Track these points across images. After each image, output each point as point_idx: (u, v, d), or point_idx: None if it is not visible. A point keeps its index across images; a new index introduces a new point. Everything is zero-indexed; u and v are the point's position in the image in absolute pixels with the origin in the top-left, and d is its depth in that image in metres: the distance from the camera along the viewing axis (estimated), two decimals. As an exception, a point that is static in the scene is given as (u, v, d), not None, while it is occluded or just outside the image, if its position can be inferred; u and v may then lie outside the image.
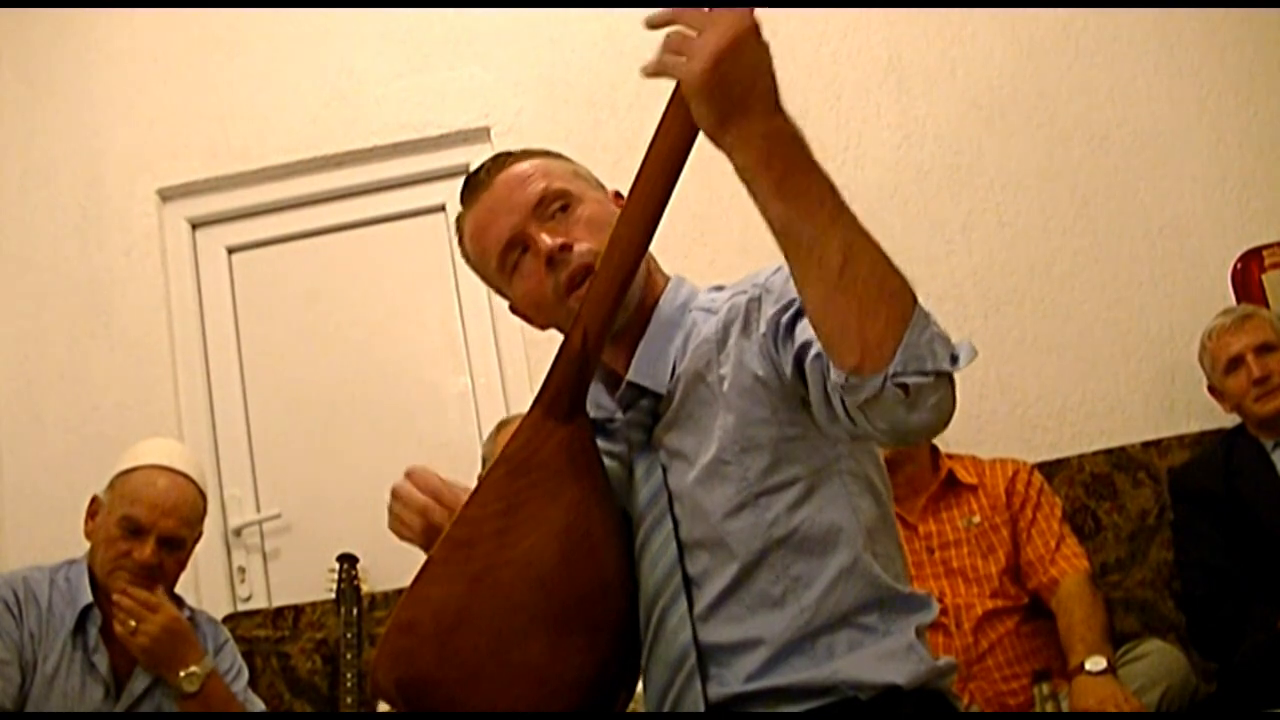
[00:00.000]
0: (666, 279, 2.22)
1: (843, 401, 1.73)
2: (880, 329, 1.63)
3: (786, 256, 1.69)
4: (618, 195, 2.20)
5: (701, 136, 1.71)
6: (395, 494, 2.15)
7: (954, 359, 1.67)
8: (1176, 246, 4.73)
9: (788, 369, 1.90)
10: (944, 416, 1.71)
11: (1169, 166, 4.82)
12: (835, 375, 1.69)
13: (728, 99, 1.59)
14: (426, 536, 2.09)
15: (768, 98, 1.61)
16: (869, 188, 4.74)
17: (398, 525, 2.16)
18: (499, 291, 2.24)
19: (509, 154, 2.23)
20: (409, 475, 2.16)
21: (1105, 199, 4.79)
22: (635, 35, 4.93)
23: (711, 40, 1.57)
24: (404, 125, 5.14)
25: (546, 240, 2.10)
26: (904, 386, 1.63)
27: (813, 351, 1.80)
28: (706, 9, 1.60)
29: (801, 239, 1.65)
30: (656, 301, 2.16)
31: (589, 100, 4.98)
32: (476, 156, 5.04)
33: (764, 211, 1.66)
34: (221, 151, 5.18)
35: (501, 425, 3.91)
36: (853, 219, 1.65)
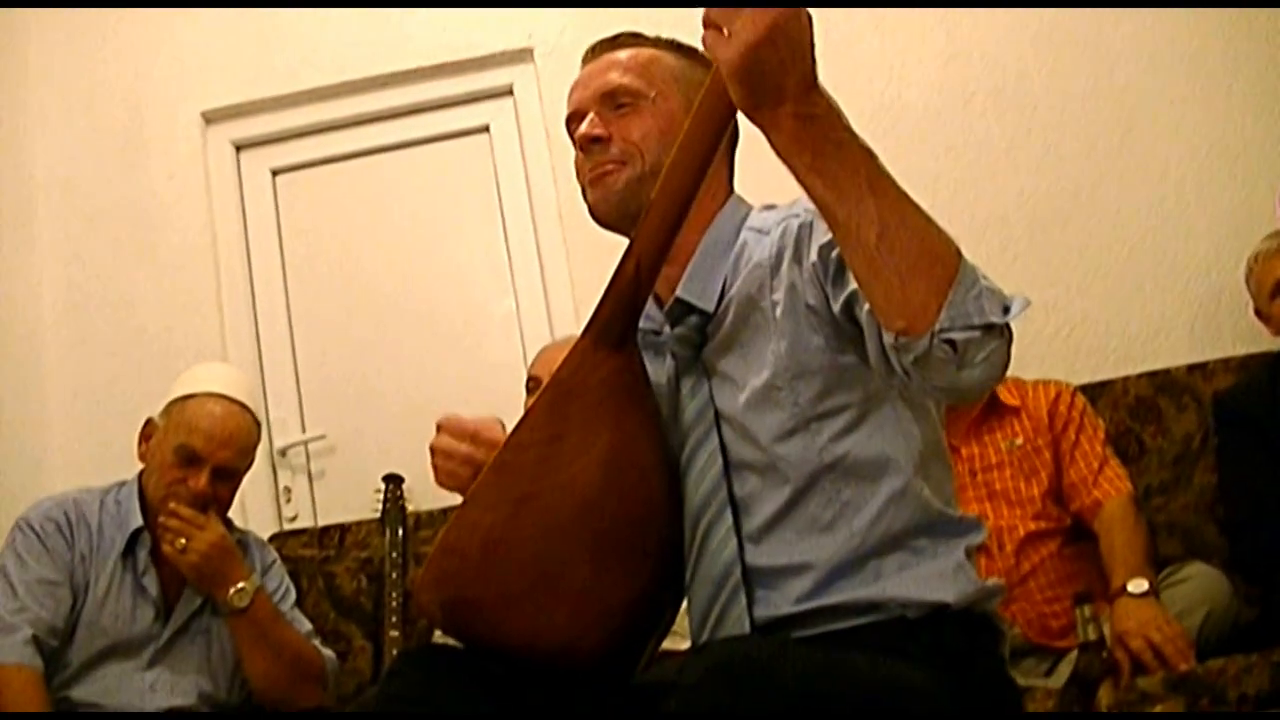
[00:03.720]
0: (725, 197, 2.24)
1: (901, 361, 1.74)
2: (923, 292, 1.65)
3: (829, 227, 1.72)
4: None
5: None
6: (434, 449, 2.17)
7: (1005, 310, 1.68)
8: (1224, 168, 4.67)
9: (836, 307, 1.92)
10: (996, 371, 1.71)
11: (1217, 87, 4.75)
12: (885, 337, 1.71)
13: (761, 83, 1.59)
14: (476, 473, 2.10)
15: (802, 81, 1.60)
16: (913, 110, 4.72)
17: (444, 478, 2.17)
18: None
19: (634, 36, 2.32)
20: (441, 427, 2.18)
21: (1152, 120, 4.75)
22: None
23: (749, 24, 1.57)
24: (447, 46, 5.12)
25: (584, 127, 2.20)
26: (951, 344, 1.64)
27: (867, 307, 1.80)
28: None
29: (837, 215, 1.67)
30: (711, 219, 2.18)
31: (633, 19, 4.91)
32: (520, 78, 5.06)
33: (802, 187, 1.68)
34: (265, 73, 5.18)
35: (545, 349, 3.92)
36: (888, 190, 1.66)
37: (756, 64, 1.57)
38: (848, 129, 1.65)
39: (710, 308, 2.10)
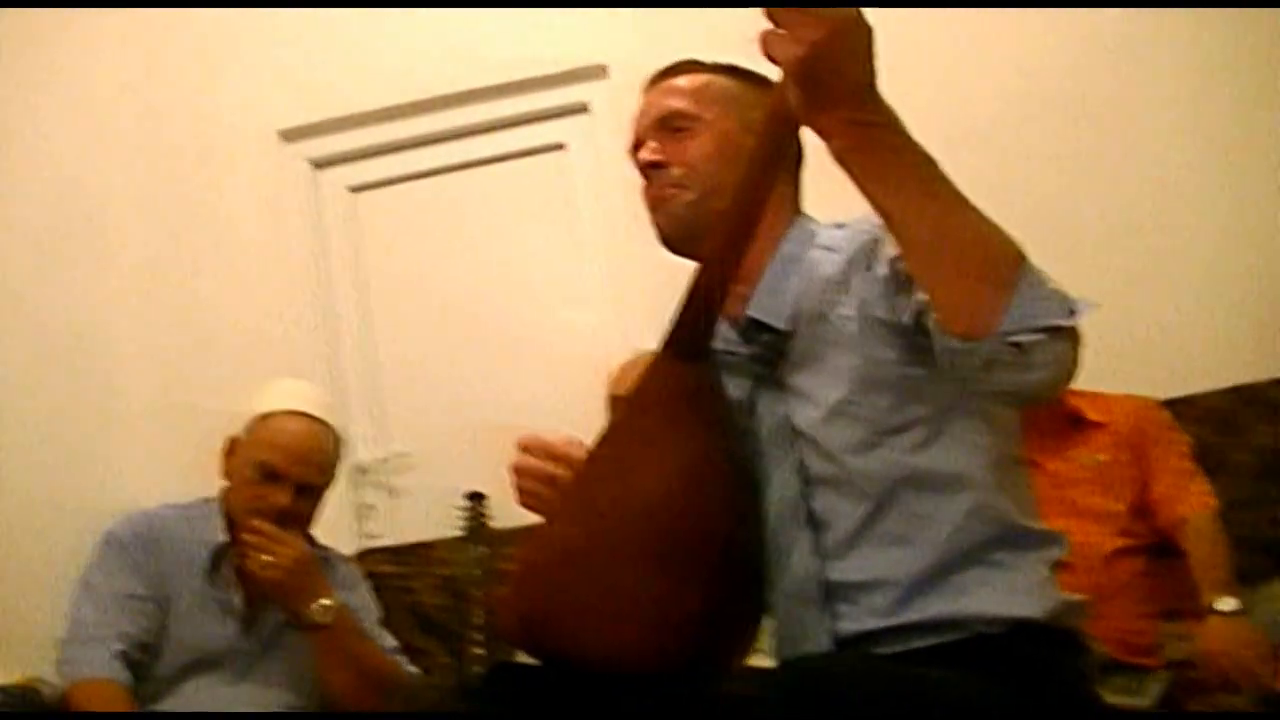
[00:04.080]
0: (793, 216, 2.25)
1: (965, 363, 1.74)
2: (985, 295, 1.66)
3: (890, 232, 1.75)
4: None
5: None
6: (515, 469, 2.16)
7: (1070, 313, 1.68)
8: (1310, 178, 4.62)
9: (905, 318, 1.92)
10: (1063, 373, 1.72)
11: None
12: (951, 342, 1.72)
13: (819, 88, 1.61)
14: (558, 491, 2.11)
15: (859, 88, 1.63)
16: (983, 123, 4.69)
17: (526, 499, 2.16)
18: None
19: (691, 63, 2.36)
20: (522, 446, 2.18)
21: (1231, 127, 4.71)
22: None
23: (810, 26, 1.58)
24: (523, 63, 5.15)
25: (643, 153, 2.25)
26: (1017, 345, 1.65)
27: (935, 317, 1.81)
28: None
29: (896, 220, 1.70)
30: (780, 238, 2.18)
31: (708, 35, 4.92)
32: (595, 94, 5.07)
33: (861, 191, 1.70)
34: (342, 92, 5.23)
35: (622, 367, 3.91)
36: (946, 194, 1.68)
37: (815, 66, 1.59)
38: (905, 134, 1.67)
39: (781, 324, 2.11)
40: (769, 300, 2.13)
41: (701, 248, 2.05)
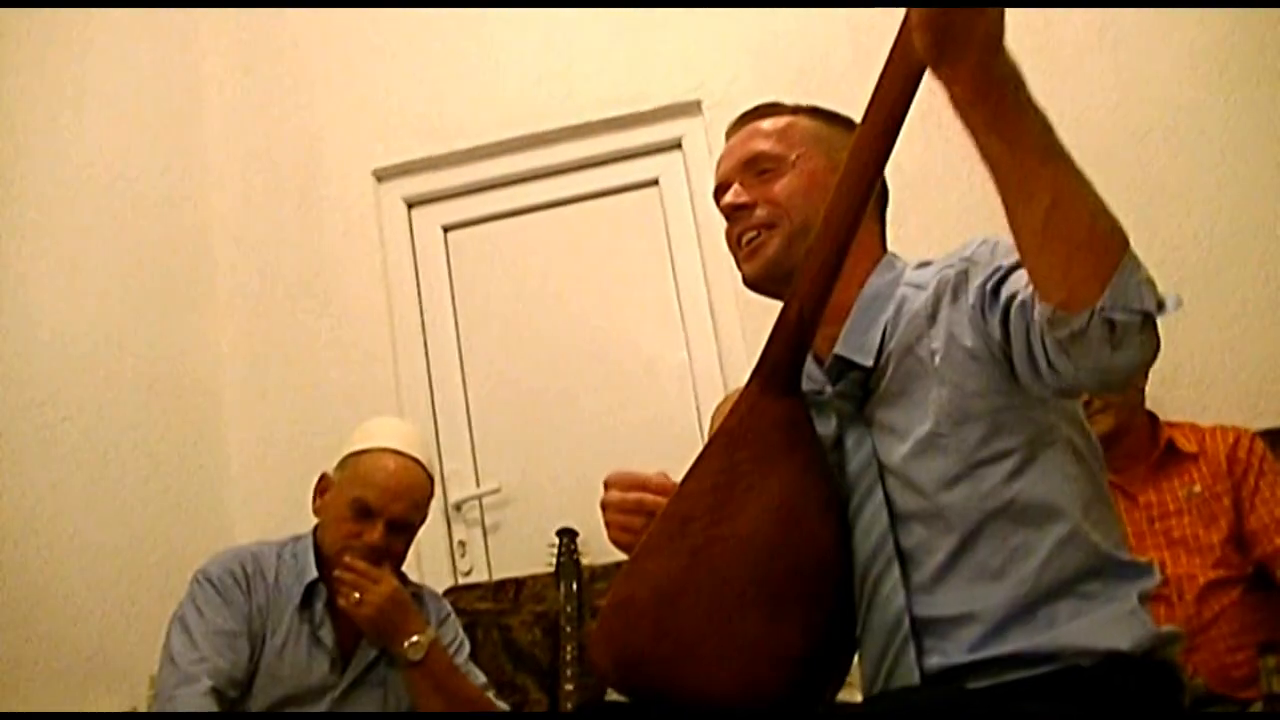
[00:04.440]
0: (879, 255, 2.25)
1: (1044, 348, 1.76)
2: (1089, 268, 1.66)
3: (1000, 191, 1.72)
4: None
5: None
6: (605, 505, 2.18)
7: (1160, 305, 1.68)
8: None
9: (996, 332, 1.92)
10: (1148, 357, 1.72)
11: None
12: (1042, 310, 1.72)
13: (949, 31, 1.59)
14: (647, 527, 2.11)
15: (990, 35, 1.60)
16: (1087, 152, 4.54)
17: (618, 533, 2.18)
18: None
19: (773, 106, 2.36)
20: (609, 484, 2.18)
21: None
22: (849, 8, 4.84)
23: None
24: (616, 100, 5.16)
25: (728, 196, 2.26)
26: (1110, 324, 1.65)
27: (1017, 302, 1.83)
28: None
29: (1012, 177, 1.68)
30: (866, 277, 2.19)
31: (801, 70, 4.95)
32: (689, 130, 5.07)
33: (978, 145, 1.69)
34: (435, 131, 5.26)
35: (723, 404, 3.91)
36: (1066, 160, 1.67)
37: (944, 13, 1.58)
38: (1030, 95, 1.66)
39: (869, 362, 2.10)
40: (857, 339, 2.13)
41: (787, 286, 2.05)
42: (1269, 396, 4.41)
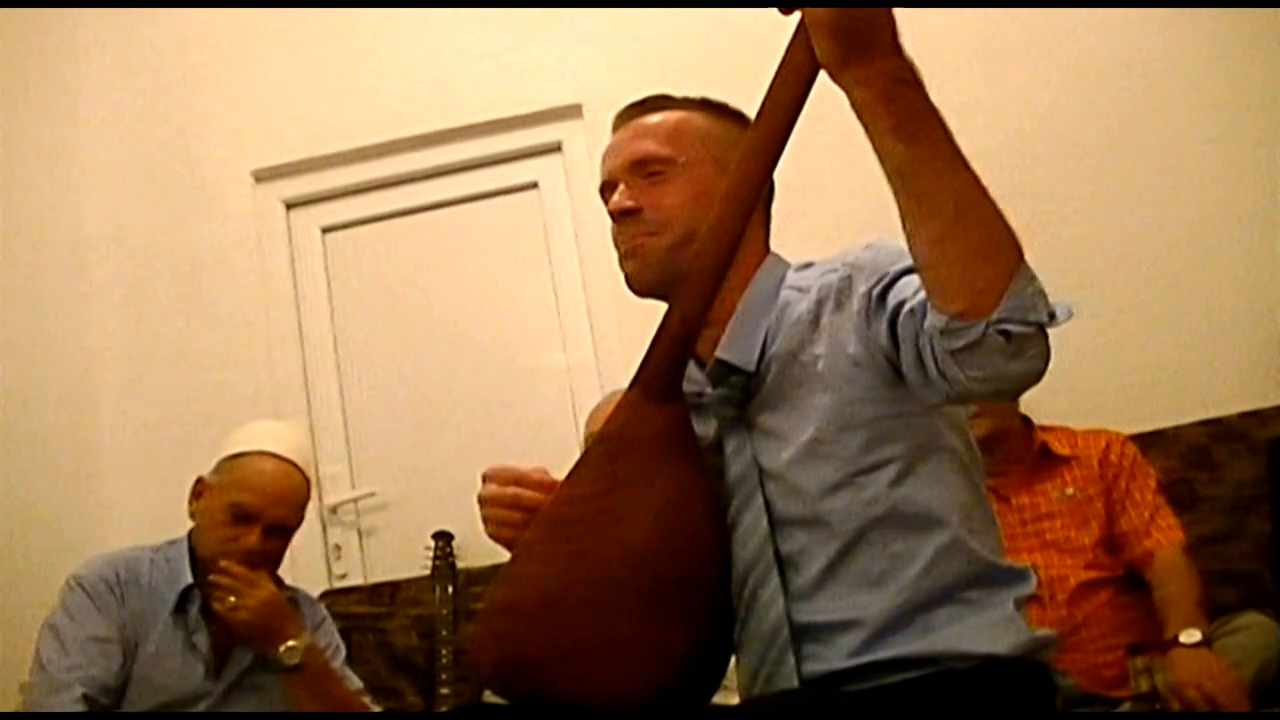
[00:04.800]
0: (763, 256, 2.23)
1: (934, 356, 1.75)
2: (988, 277, 1.65)
3: (899, 198, 1.70)
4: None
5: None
6: (483, 499, 2.15)
7: (1052, 315, 1.69)
8: (1279, 215, 4.65)
9: (882, 339, 1.91)
10: (1040, 369, 1.72)
11: (1274, 135, 4.73)
12: (935, 319, 1.70)
13: (852, 36, 1.60)
14: (526, 522, 2.09)
15: (891, 37, 1.61)
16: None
17: (495, 528, 2.14)
18: None
19: (663, 99, 2.31)
20: (487, 478, 2.17)
21: (1205, 168, 4.73)
22: (731, 9, 4.87)
23: None
24: (497, 103, 5.16)
25: (616, 198, 2.20)
26: (1006, 334, 1.65)
27: (905, 309, 1.82)
28: None
29: (917, 182, 1.67)
30: (750, 278, 2.17)
31: (684, 76, 4.90)
32: (569, 134, 5.08)
33: (880, 152, 1.67)
34: (315, 132, 5.24)
35: (599, 406, 3.92)
36: (968, 168, 1.66)
37: (845, 14, 1.58)
38: (929, 100, 1.66)
39: (751, 367, 2.09)
40: (739, 343, 2.11)
41: (672, 291, 2.04)
42: (1141, 401, 4.48)
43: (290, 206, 5.28)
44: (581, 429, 4.08)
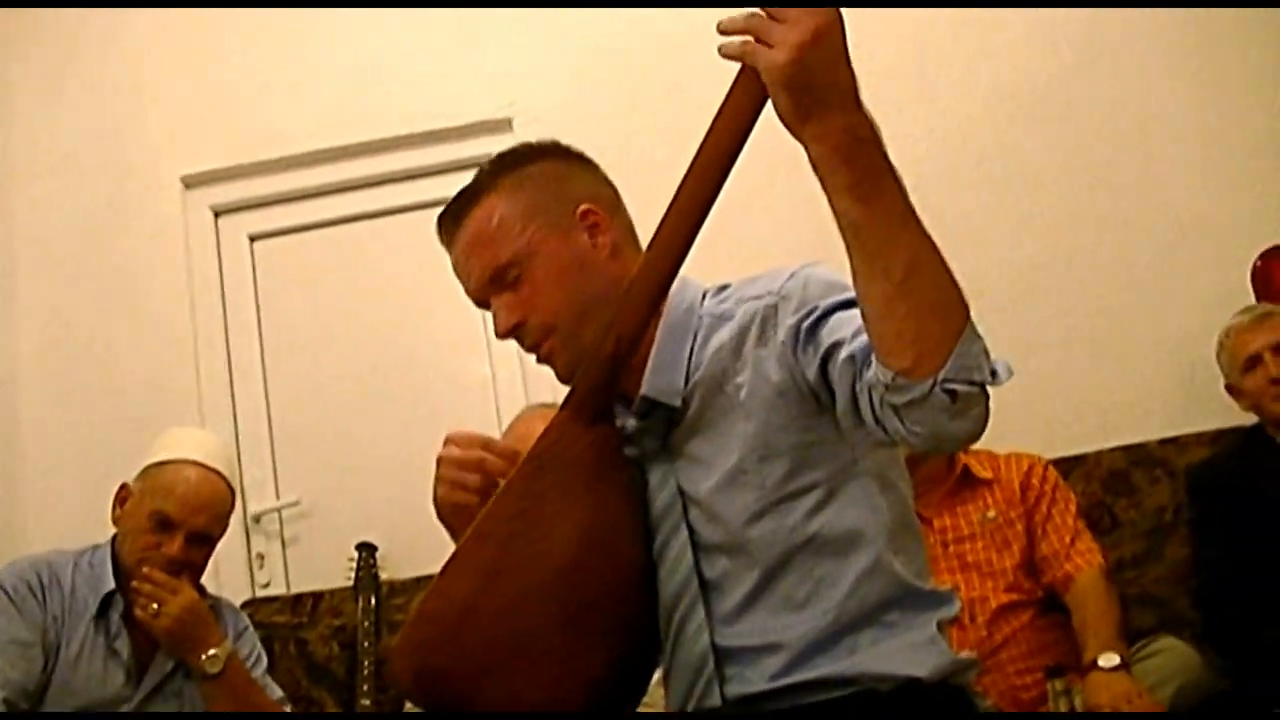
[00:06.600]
0: None
1: (873, 405, 1.74)
2: (936, 336, 1.65)
3: (850, 252, 1.68)
4: (586, 213, 2.17)
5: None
6: (441, 459, 2.13)
7: (994, 374, 1.69)
8: (1198, 244, 4.71)
9: (810, 373, 1.92)
10: (981, 428, 1.73)
11: (1192, 164, 4.80)
12: (881, 374, 1.70)
13: (811, 91, 1.57)
14: (484, 495, 2.08)
15: (849, 92, 1.59)
16: None
17: (448, 489, 2.12)
18: None
19: (467, 193, 2.23)
20: (451, 440, 2.15)
21: (1128, 195, 4.79)
22: (663, 24, 4.91)
23: (796, 30, 1.55)
24: (427, 115, 5.15)
25: (498, 325, 2.17)
26: (951, 394, 1.64)
27: (842, 354, 1.82)
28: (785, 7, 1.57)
29: (869, 241, 1.65)
30: (665, 304, 2.14)
31: (616, 91, 4.99)
32: (499, 146, 4.95)
33: (834, 206, 1.65)
34: (244, 139, 5.21)
35: (517, 419, 3.93)
36: (920, 226, 1.65)
37: (805, 69, 1.55)
38: (888, 158, 1.64)
39: (677, 402, 2.08)
40: (662, 378, 2.10)
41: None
42: (1062, 425, 4.53)
43: (219, 213, 5.24)
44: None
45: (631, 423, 2.14)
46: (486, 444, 2.13)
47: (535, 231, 2.15)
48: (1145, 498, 4.19)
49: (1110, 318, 4.68)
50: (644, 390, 2.10)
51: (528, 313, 2.14)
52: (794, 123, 1.61)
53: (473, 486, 2.10)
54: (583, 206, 2.17)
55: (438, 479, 2.14)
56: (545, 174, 2.20)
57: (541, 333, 2.14)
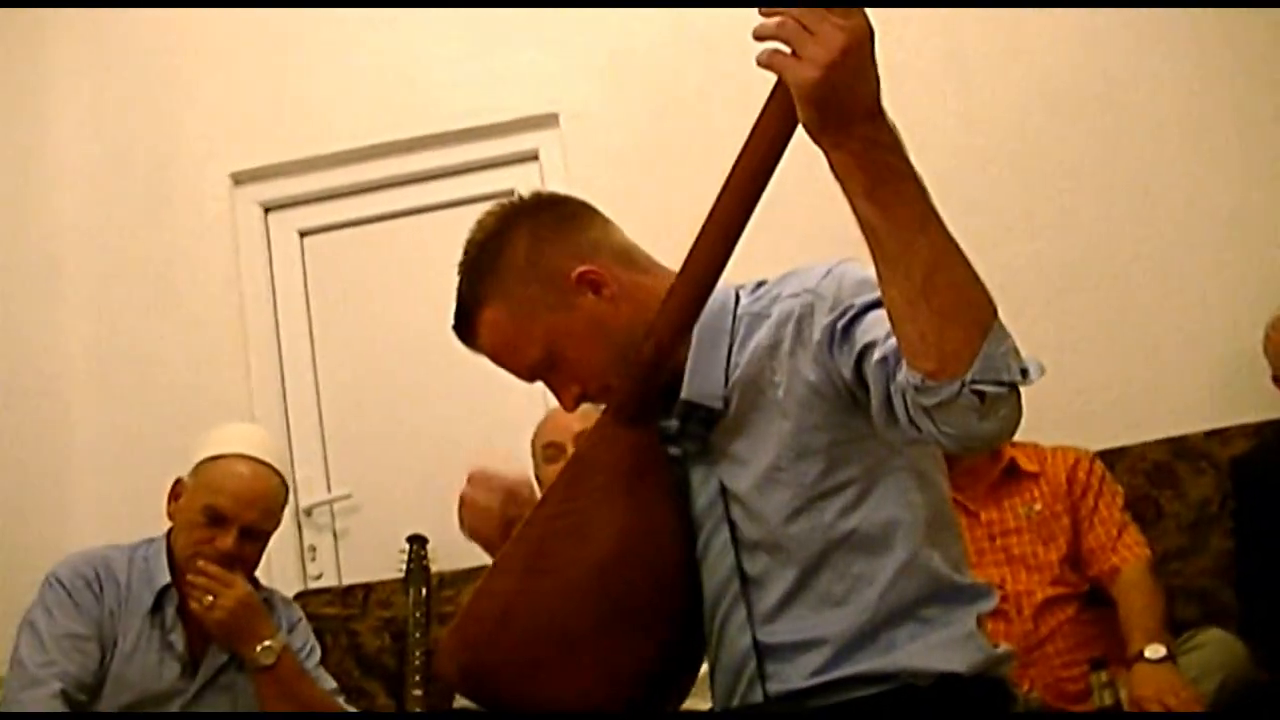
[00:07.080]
0: None
1: (906, 406, 1.75)
2: (959, 338, 1.64)
3: (873, 257, 1.70)
4: (580, 277, 2.19)
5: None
6: (462, 499, 2.22)
7: (1024, 372, 1.68)
8: (1241, 235, 4.69)
9: (846, 372, 1.92)
10: (1011, 427, 1.73)
11: (1235, 155, 4.78)
12: (909, 377, 1.70)
13: (835, 104, 1.58)
14: (503, 527, 2.15)
15: (871, 103, 1.60)
16: (929, 175, 4.68)
17: (468, 533, 2.26)
18: None
19: (469, 298, 2.33)
20: (472, 479, 2.24)
21: (1169, 187, 4.77)
22: (704, 21, 4.91)
23: (825, 49, 1.55)
24: (474, 110, 5.17)
25: (565, 402, 2.23)
26: (979, 394, 1.65)
27: (875, 355, 1.82)
28: (821, 10, 1.56)
29: (889, 245, 1.66)
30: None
31: (657, 86, 5.00)
32: (545, 142, 5.11)
33: (856, 213, 1.67)
34: (293, 136, 5.25)
35: (552, 414, 3.96)
36: (941, 229, 1.66)
37: (830, 83, 1.56)
38: (909, 161, 1.65)
39: (719, 404, 2.10)
40: (701, 381, 2.12)
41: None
42: (1105, 418, 4.52)
43: (268, 209, 5.28)
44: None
45: (673, 424, 2.16)
46: (505, 493, 2.23)
47: (545, 321, 2.19)
48: (1189, 490, 4.19)
49: (1153, 309, 4.68)
50: (685, 394, 2.12)
51: (581, 383, 2.20)
52: (814, 130, 1.62)
53: (484, 533, 2.22)
54: (575, 274, 2.19)
55: (458, 514, 2.25)
56: (519, 263, 2.22)
57: (602, 392, 2.19)
